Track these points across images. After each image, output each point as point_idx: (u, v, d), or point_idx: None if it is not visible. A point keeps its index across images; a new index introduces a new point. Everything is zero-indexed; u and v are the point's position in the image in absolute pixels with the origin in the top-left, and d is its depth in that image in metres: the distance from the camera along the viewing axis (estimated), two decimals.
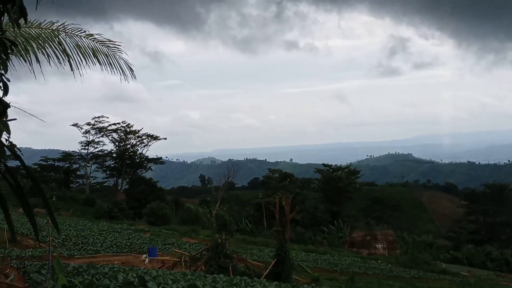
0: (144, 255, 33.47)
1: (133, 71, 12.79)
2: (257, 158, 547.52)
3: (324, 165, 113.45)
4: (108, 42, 12.57)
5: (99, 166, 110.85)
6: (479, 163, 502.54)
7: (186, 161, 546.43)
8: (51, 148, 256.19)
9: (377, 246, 65.63)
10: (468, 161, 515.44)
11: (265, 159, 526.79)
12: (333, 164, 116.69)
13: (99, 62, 12.25)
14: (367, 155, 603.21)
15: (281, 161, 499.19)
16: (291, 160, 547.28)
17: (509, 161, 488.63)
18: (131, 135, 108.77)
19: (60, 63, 11.62)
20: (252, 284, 17.36)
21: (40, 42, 11.47)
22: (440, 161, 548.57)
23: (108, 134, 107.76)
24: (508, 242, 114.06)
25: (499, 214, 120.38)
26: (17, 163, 4.66)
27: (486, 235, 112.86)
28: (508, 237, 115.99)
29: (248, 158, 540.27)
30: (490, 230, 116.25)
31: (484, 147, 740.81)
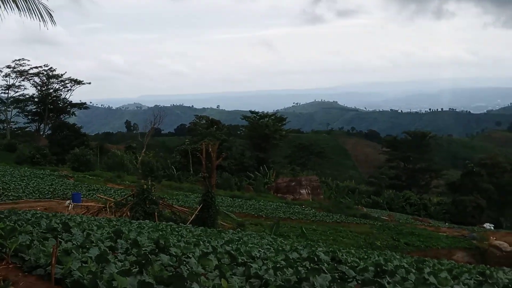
0: (68, 201, 33.06)
1: (53, 17, 12.31)
2: (184, 105, 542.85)
3: (251, 112, 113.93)
4: None
5: (20, 110, 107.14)
6: (401, 111, 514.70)
7: (112, 107, 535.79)
8: None
9: (301, 191, 66.83)
10: (391, 109, 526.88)
11: (192, 106, 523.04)
12: (260, 111, 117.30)
13: (17, 7, 11.73)
14: (294, 103, 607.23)
15: (208, 108, 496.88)
16: (218, 107, 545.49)
17: (430, 109, 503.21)
18: (54, 79, 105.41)
19: None
20: (178, 230, 17.46)
21: None
22: (364, 109, 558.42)
23: (30, 78, 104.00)
24: (426, 187, 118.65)
25: (419, 160, 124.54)
26: None
27: (406, 181, 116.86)
28: (426, 183, 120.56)
29: (175, 104, 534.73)
30: (410, 176, 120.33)
31: (406, 95, 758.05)
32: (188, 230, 18.47)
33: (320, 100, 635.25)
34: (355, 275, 8.16)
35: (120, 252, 7.85)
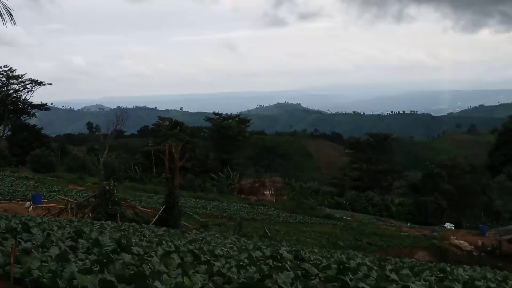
0: (28, 202, 32.60)
1: (12, 16, 12.09)
2: (146, 106, 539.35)
3: (214, 113, 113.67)
4: None
5: None
6: (364, 113, 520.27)
7: (73, 108, 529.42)
8: None
9: (265, 192, 67.00)
10: (353, 112, 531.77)
11: (155, 107, 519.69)
12: (224, 113, 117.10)
13: None
14: (257, 105, 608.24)
15: (171, 110, 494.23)
16: (181, 108, 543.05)
17: (392, 112, 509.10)
18: (14, 80, 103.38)
19: None
20: (140, 230, 17.35)
21: None
22: (328, 111, 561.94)
23: None
24: (388, 188, 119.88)
25: (381, 162, 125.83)
26: None
27: (368, 182, 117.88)
28: (388, 184, 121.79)
29: (138, 106, 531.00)
30: (372, 177, 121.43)
31: (369, 98, 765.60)
32: (150, 230, 18.37)
33: (283, 102, 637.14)
34: (318, 272, 8.18)
35: (81, 252, 7.75)
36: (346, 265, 8.92)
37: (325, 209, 64.57)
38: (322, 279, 7.49)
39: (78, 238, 9.00)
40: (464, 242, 45.13)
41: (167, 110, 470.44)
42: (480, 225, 60.97)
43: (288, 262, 8.79)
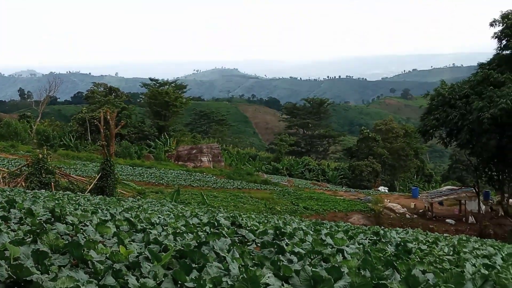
0: None
1: None
2: (81, 72, 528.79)
3: (150, 79, 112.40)
4: None
5: None
6: (300, 78, 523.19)
7: (3, 74, 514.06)
8: None
9: (202, 159, 66.96)
10: (290, 77, 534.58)
11: (89, 73, 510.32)
12: (160, 79, 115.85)
13: None
14: (194, 70, 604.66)
15: (106, 75, 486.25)
16: (116, 74, 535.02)
17: (328, 77, 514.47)
18: None
19: None
20: (75, 199, 17.08)
21: None
22: (265, 77, 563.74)
23: None
24: (324, 153, 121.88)
25: (318, 127, 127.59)
26: None
27: (305, 147, 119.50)
28: (324, 149, 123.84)
29: (72, 71, 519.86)
30: (308, 142, 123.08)
31: (306, 63, 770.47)
32: (86, 199, 18.12)
33: (220, 68, 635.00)
34: (255, 238, 8.26)
35: (13, 222, 7.57)
36: (283, 230, 9.03)
37: (262, 174, 65.15)
38: (259, 244, 7.57)
39: (10, 208, 8.79)
40: (397, 205, 46.35)
41: (102, 75, 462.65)
42: (412, 187, 62.75)
43: (225, 229, 8.84)
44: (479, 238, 21.60)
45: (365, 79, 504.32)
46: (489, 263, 7.59)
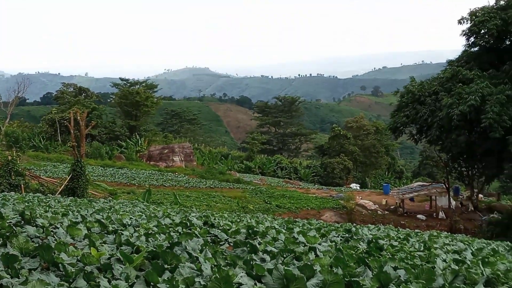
0: None
1: None
2: (50, 72, 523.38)
3: (121, 79, 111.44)
4: None
5: None
6: (272, 77, 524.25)
7: None
8: None
9: (174, 159, 66.74)
10: (262, 75, 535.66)
11: (59, 73, 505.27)
12: (131, 78, 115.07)
13: None
14: (165, 69, 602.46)
15: (76, 75, 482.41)
16: (86, 74, 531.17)
17: (299, 75, 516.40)
18: None
19: None
20: (45, 201, 16.90)
21: None
22: (236, 75, 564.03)
23: None
24: (296, 151, 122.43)
25: (289, 125, 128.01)
26: None
27: (277, 146, 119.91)
28: (296, 147, 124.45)
29: (40, 72, 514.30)
30: (280, 140, 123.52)
31: (277, 61, 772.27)
32: (56, 200, 17.93)
33: (191, 67, 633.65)
34: (227, 237, 8.27)
35: None
36: (255, 229, 9.05)
37: (234, 173, 65.17)
38: (231, 244, 7.57)
39: None
40: (369, 201, 46.69)
41: (71, 76, 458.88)
42: (383, 184, 63.29)
43: (198, 229, 8.82)
44: (449, 233, 21.88)
45: (336, 77, 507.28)
46: (459, 258, 7.69)
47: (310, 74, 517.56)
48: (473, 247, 10.56)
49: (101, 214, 11.17)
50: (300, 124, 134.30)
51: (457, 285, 5.45)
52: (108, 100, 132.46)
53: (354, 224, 19.59)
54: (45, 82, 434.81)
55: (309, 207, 41.49)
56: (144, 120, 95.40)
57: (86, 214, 10.45)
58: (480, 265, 6.82)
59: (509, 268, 6.37)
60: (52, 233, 7.00)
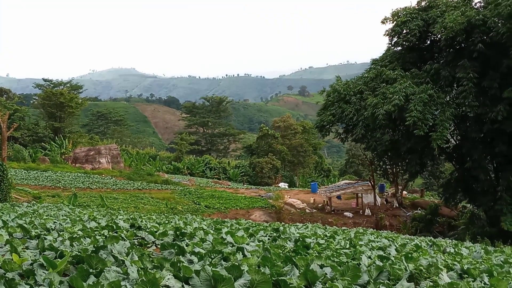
0: None
1: None
2: None
3: (44, 80, 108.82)
4: None
5: None
6: (199, 77, 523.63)
7: None
8: None
9: (101, 160, 65.67)
10: (189, 75, 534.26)
11: None
12: (54, 79, 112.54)
13: None
14: (90, 70, 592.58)
15: None
16: (7, 75, 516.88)
17: (227, 75, 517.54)
18: None
19: None
20: None
21: None
22: (163, 76, 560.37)
23: None
24: (225, 151, 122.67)
25: (217, 125, 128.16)
26: None
27: (205, 146, 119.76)
28: (225, 147, 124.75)
29: None
30: (209, 141, 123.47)
31: (204, 61, 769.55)
32: None
33: (117, 67, 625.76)
34: (155, 240, 8.20)
35: None
36: (183, 230, 9.01)
37: (163, 174, 64.67)
38: (158, 246, 7.51)
39: None
40: (297, 200, 47.24)
41: None
42: (311, 183, 64.13)
43: (124, 231, 8.71)
44: (375, 229, 22.40)
45: (263, 77, 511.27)
46: (384, 254, 7.89)
47: (238, 74, 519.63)
48: (397, 243, 10.84)
49: (24, 218, 10.88)
50: (228, 124, 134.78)
51: (381, 281, 5.59)
52: (31, 102, 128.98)
53: (283, 223, 19.80)
54: None
55: (238, 207, 41.64)
56: (69, 121, 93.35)
57: (7, 219, 10.14)
58: (404, 261, 7.01)
59: (431, 263, 6.57)
60: None
